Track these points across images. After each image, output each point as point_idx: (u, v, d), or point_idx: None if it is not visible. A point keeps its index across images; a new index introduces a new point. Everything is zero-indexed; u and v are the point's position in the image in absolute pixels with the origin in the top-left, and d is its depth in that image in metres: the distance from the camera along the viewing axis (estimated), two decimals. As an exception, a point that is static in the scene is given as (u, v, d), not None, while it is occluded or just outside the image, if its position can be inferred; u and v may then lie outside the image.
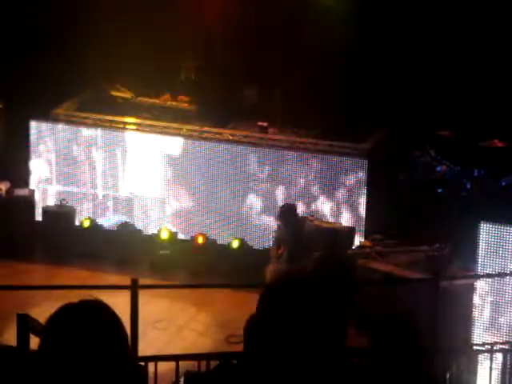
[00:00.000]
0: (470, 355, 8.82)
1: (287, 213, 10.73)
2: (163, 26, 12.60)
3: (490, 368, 8.50)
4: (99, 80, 13.20)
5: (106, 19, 12.78)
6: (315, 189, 12.03)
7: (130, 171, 12.57)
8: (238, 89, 13.15)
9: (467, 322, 9.50)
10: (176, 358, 7.91)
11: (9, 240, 11.68)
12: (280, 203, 11.62)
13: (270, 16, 13.00)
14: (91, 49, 12.74)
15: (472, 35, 12.44)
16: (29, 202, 12.48)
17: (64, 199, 12.46)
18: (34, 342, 5.77)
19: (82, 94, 13.16)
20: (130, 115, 12.84)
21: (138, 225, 12.48)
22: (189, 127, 12.64)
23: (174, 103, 13.11)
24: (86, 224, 12.41)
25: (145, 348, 7.49)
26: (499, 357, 8.74)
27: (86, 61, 12.75)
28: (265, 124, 12.51)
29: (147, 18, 12.67)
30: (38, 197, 12.60)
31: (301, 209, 11.44)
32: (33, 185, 12.66)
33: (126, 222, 12.57)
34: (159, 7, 12.95)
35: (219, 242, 12.22)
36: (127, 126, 12.76)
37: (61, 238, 12.15)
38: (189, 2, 13.19)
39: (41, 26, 13.02)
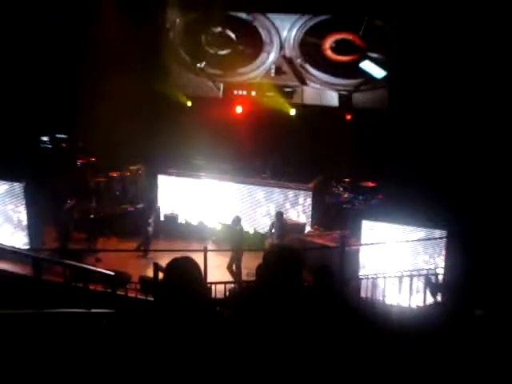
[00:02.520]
0: (357, 280, 8.71)
1: (278, 215, 10.50)
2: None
3: (366, 287, 8.47)
4: (189, 154, 12.80)
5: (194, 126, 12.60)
6: (288, 205, 11.72)
7: (203, 197, 12.16)
8: (253, 160, 12.81)
9: (357, 265, 9.15)
10: (225, 283, 8.04)
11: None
12: (274, 211, 11.19)
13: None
14: (188, 140, 12.38)
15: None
16: (158, 211, 11.94)
17: (173, 210, 12.20)
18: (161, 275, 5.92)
19: (182, 161, 12.70)
20: (203, 171, 12.37)
21: (207, 222, 11.96)
22: (230, 177, 12.25)
23: (224, 165, 12.71)
24: (183, 222, 12.06)
25: (210, 278, 7.35)
26: (370, 281, 8.44)
27: (182, 145, 12.66)
28: (265, 175, 12.33)
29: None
30: (161, 209, 12.20)
31: (284, 214, 10.83)
32: (160, 204, 12.29)
33: (201, 221, 11.97)
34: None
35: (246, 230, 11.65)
36: (202, 176, 12.28)
37: (172, 228, 11.86)
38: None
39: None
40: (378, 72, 12.44)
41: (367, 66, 12.46)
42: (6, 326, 3.42)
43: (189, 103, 13.87)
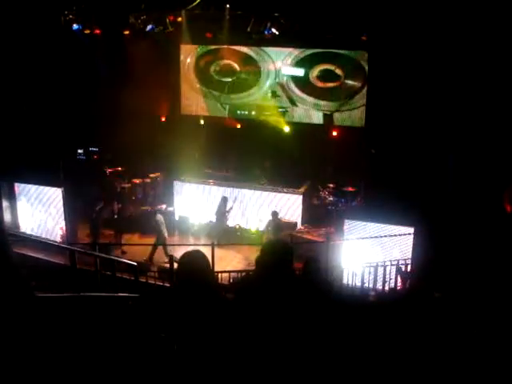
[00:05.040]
0: (340, 270, 8.54)
1: (274, 214, 10.48)
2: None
3: (347, 274, 8.37)
4: (200, 164, 12.64)
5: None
6: (282, 206, 11.40)
7: (209, 201, 11.91)
8: (253, 169, 12.48)
9: (340, 257, 8.82)
10: (229, 271, 8.10)
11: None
12: (270, 211, 10.85)
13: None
14: (200, 152, 12.55)
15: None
16: (173, 213, 11.80)
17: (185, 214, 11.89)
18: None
19: (194, 170, 12.43)
20: (212, 179, 12.17)
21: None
22: (234, 183, 11.99)
23: (226, 174, 12.59)
24: (195, 221, 11.72)
25: (216, 268, 7.32)
26: (351, 270, 8.38)
27: (195, 156, 12.58)
28: (262, 182, 12.02)
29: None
30: (176, 211, 11.98)
31: (278, 214, 10.70)
32: (175, 206, 12.05)
33: (211, 220, 11.49)
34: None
35: (247, 227, 11.63)
36: (210, 183, 12.05)
37: (185, 226, 11.69)
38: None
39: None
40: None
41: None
42: (46, 307, 3.46)
43: (201, 121, 13.89)
